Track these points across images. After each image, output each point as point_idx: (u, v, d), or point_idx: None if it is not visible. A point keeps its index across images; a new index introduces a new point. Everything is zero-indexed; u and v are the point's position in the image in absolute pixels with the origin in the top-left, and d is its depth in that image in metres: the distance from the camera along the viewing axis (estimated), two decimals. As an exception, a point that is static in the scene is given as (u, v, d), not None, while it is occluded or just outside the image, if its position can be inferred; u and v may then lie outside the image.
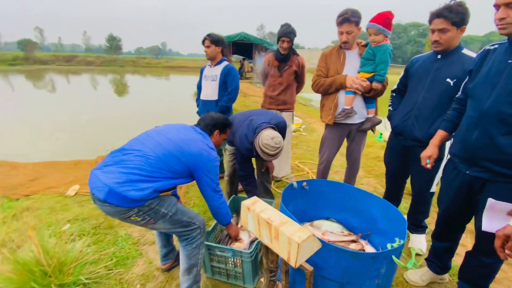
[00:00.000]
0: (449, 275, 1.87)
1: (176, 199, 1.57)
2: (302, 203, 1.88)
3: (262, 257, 1.89)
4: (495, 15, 1.22)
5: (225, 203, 1.66)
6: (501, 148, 1.22)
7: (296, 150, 4.53)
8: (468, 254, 1.54)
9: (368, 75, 2.12)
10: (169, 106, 10.49)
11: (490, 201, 1.27)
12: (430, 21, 1.68)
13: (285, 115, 2.90)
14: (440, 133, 1.62)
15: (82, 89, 15.90)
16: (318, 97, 2.49)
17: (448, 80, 1.70)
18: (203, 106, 2.96)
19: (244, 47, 18.02)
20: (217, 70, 2.82)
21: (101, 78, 23.24)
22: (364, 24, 2.14)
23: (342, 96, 2.23)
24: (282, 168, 3.27)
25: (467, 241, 2.25)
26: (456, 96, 1.60)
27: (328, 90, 2.26)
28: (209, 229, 1.87)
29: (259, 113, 2.26)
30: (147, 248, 2.15)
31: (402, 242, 1.25)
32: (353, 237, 1.76)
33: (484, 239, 1.36)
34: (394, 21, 2.08)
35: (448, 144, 1.77)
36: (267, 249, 1.22)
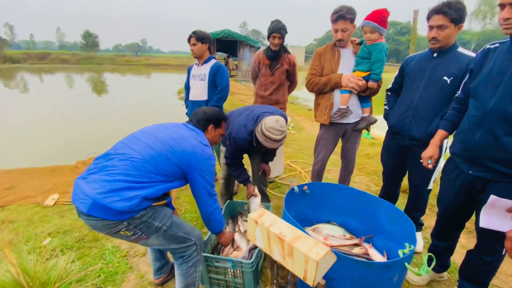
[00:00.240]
0: (447, 273, 1.87)
1: (171, 210, 1.44)
2: (303, 206, 1.83)
3: (263, 265, 1.81)
4: (499, 15, 1.20)
5: (219, 209, 1.55)
6: (505, 148, 1.21)
7: (287, 149, 4.47)
8: (469, 252, 1.54)
9: (364, 74, 2.09)
10: (152, 106, 10.13)
11: (492, 197, 1.25)
12: (429, 18, 1.66)
13: (278, 115, 2.83)
14: (440, 133, 1.61)
15: (58, 89, 15.08)
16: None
17: (445, 78, 1.69)
18: (192, 107, 2.83)
19: (228, 44, 17.81)
20: (205, 68, 2.70)
21: (77, 77, 22.17)
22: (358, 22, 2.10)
23: (337, 95, 2.19)
24: (274, 168, 3.20)
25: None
26: (456, 95, 1.58)
27: (323, 89, 2.21)
28: (205, 238, 1.75)
29: (259, 106, 2.17)
30: (138, 261, 2.01)
31: (413, 247, 1.21)
32: (355, 241, 1.72)
33: (485, 238, 1.35)
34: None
35: (445, 142, 1.76)
36: (276, 264, 1.13)
